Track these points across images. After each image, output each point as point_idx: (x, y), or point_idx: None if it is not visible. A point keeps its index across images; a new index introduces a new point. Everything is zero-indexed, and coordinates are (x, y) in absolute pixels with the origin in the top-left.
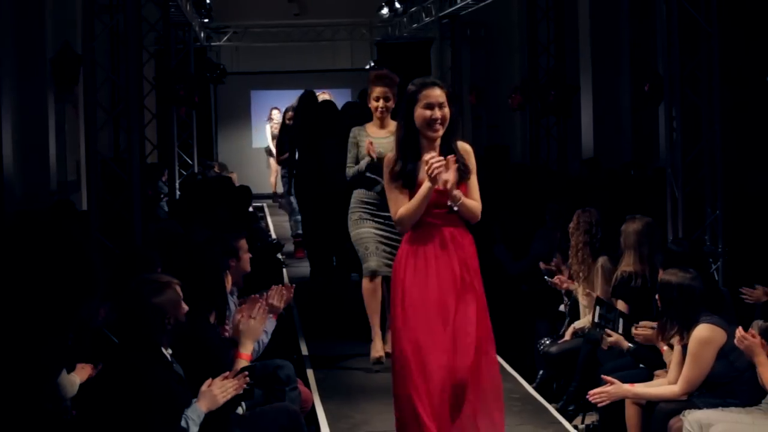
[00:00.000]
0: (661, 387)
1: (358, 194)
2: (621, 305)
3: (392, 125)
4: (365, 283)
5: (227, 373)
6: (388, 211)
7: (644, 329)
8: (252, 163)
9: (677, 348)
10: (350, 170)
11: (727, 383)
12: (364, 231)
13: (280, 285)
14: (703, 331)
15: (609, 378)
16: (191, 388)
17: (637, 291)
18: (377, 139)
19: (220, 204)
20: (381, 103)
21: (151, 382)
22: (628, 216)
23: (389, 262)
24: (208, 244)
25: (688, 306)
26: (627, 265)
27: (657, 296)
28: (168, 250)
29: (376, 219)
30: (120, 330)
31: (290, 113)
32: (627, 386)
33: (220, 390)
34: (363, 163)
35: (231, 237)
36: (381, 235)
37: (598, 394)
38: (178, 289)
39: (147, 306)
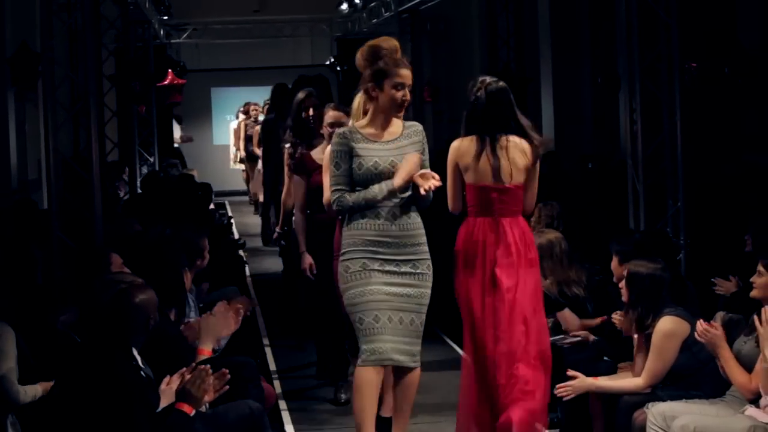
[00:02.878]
0: (625, 380)
1: (362, 229)
2: (569, 315)
3: (396, 126)
4: (366, 373)
5: (184, 369)
6: (406, 253)
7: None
8: (213, 161)
9: (641, 340)
10: (347, 198)
11: (690, 375)
12: (371, 290)
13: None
14: (666, 323)
15: (573, 372)
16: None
17: (573, 298)
18: (378, 146)
19: (181, 201)
20: (406, 92)
21: (127, 381)
22: (536, 230)
23: (409, 345)
24: (167, 241)
25: (657, 296)
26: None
27: (624, 287)
28: (122, 248)
29: (387, 268)
30: (91, 329)
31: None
32: (591, 380)
33: (196, 389)
34: (379, 191)
35: (197, 236)
36: (395, 294)
37: (563, 388)
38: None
39: (131, 306)
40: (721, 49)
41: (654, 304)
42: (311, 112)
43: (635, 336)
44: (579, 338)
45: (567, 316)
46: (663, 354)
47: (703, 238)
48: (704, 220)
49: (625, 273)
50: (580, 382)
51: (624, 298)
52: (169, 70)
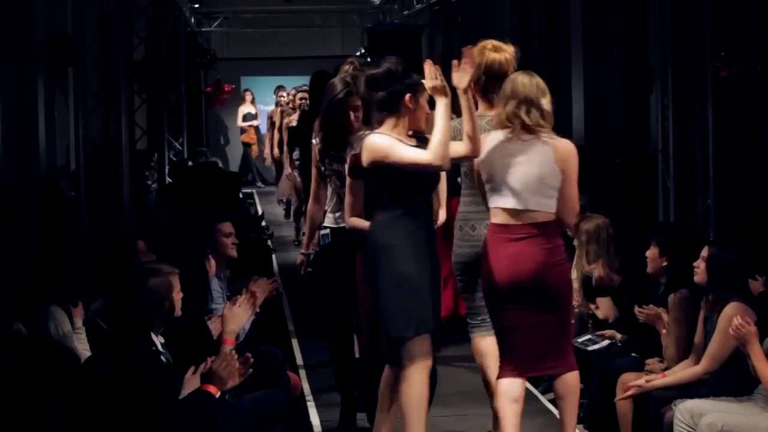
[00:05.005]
0: (684, 371)
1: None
2: (609, 304)
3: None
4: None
5: (210, 359)
6: None
7: (648, 309)
8: (242, 150)
9: (700, 329)
10: None
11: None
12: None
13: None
14: (736, 309)
15: (633, 383)
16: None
17: (612, 287)
18: None
19: (209, 190)
20: None
21: (146, 365)
22: (586, 213)
23: None
24: (188, 230)
25: (737, 280)
26: (580, 266)
27: (702, 270)
28: (147, 236)
29: None
30: (111, 315)
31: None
32: (657, 381)
33: (222, 370)
34: None
35: (210, 220)
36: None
37: (629, 388)
38: (175, 278)
39: (142, 288)
40: (753, 47)
41: (733, 287)
42: (352, 116)
43: (663, 331)
44: (606, 342)
45: (608, 304)
46: (728, 339)
47: (733, 235)
48: (734, 217)
49: (669, 262)
50: (644, 383)
51: (698, 279)
52: (219, 77)
